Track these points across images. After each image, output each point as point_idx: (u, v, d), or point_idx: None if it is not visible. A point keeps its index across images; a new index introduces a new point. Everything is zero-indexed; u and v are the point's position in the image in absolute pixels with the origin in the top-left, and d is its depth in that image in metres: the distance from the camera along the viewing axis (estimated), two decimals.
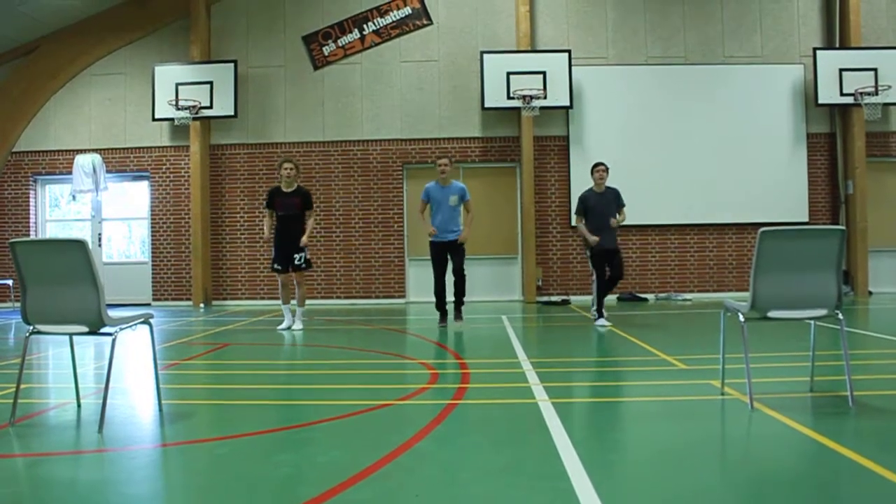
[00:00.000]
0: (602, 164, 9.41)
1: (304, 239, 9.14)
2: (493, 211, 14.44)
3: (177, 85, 14.02)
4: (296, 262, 9.19)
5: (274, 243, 9.32)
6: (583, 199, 9.33)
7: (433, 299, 9.55)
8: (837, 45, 14.17)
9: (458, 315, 9.43)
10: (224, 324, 10.65)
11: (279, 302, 15.04)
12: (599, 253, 9.23)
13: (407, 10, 14.53)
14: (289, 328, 9.42)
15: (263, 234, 9.42)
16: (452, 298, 9.47)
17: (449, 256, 9.27)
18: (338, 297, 14.44)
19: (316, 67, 14.61)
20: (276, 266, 9.33)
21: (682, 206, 14.13)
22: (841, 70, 13.69)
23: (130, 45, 14.85)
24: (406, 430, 3.98)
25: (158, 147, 14.75)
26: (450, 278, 9.31)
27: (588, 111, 14.26)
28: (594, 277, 9.42)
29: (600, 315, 9.26)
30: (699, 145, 14.15)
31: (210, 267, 14.50)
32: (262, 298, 14.48)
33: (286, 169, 9.18)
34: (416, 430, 3.97)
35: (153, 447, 3.89)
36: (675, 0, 14.44)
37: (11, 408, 4.30)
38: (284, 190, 9.22)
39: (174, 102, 13.93)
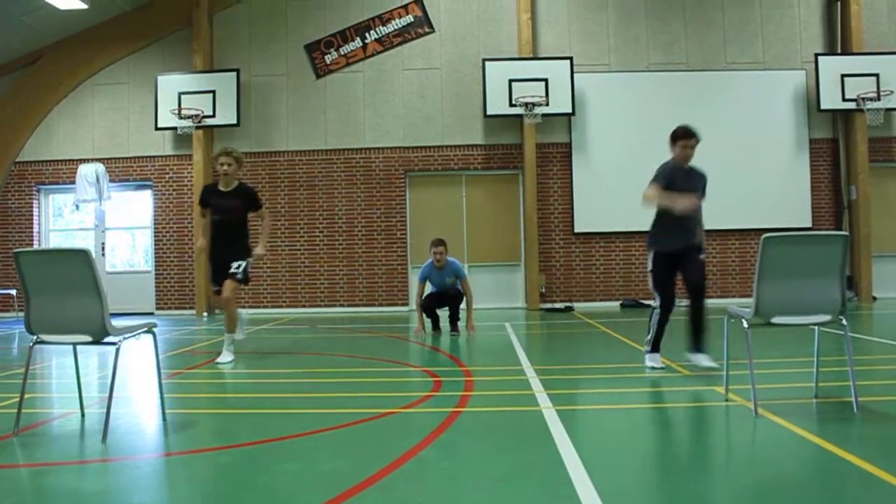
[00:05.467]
0: (693, 133, 6.56)
1: (260, 249, 7.52)
2: (496, 218, 14.45)
3: (179, 94, 14.06)
4: (232, 269, 7.22)
5: (210, 253, 7.46)
6: (667, 171, 6.43)
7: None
8: (839, 51, 14.18)
9: (454, 327, 9.35)
10: None
11: (273, 311, 15.20)
12: (666, 258, 6.31)
13: (409, 19, 14.57)
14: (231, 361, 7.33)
15: (195, 242, 7.38)
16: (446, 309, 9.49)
17: (447, 304, 9.32)
18: (341, 305, 14.44)
19: (318, 76, 14.64)
20: (215, 287, 7.45)
21: None
22: (843, 75, 13.69)
23: (133, 55, 14.90)
24: (410, 438, 3.98)
25: (161, 156, 14.78)
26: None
27: (590, 118, 14.27)
28: (656, 301, 6.42)
29: (653, 349, 6.35)
30: (701, 152, 13.95)
31: None
32: (266, 307, 14.47)
33: (223, 164, 7.20)
34: (420, 438, 3.96)
35: (157, 456, 3.89)
36: (677, 7, 14.46)
37: (15, 418, 4.30)
38: (222, 189, 7.34)
39: (177, 111, 13.97)
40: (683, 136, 6.47)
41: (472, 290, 9.52)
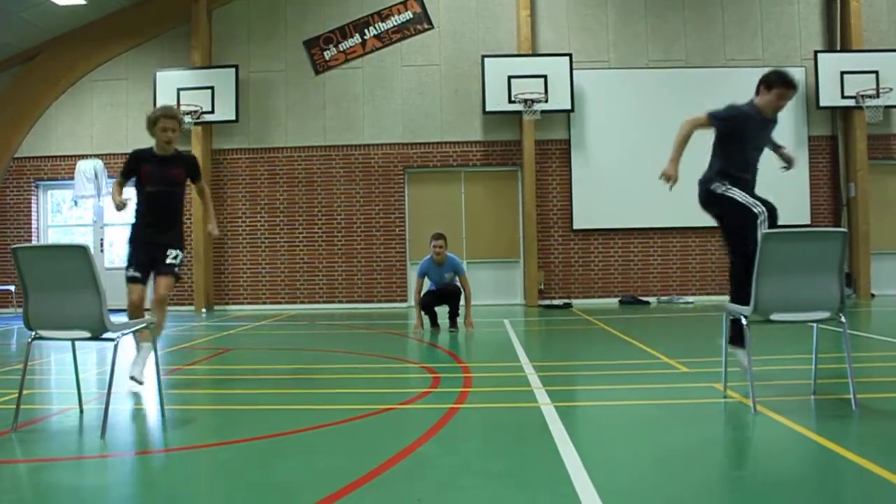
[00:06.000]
0: (796, 85, 5.26)
1: (215, 229, 6.35)
2: (495, 215, 14.45)
3: (178, 90, 14.03)
4: (168, 261, 5.74)
5: (134, 236, 5.84)
6: (737, 112, 5.32)
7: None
8: (839, 48, 14.17)
9: (453, 324, 9.36)
10: (226, 328, 10.65)
11: (272, 307, 15.19)
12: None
13: (408, 15, 14.55)
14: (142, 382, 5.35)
15: (115, 201, 5.75)
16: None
17: (446, 302, 9.27)
18: (340, 302, 14.43)
19: (317, 72, 14.63)
20: (132, 272, 5.71)
21: (683, 209, 14.02)
22: (842, 73, 13.69)
23: (132, 51, 14.88)
24: (408, 435, 3.98)
25: None
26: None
27: (589, 114, 14.26)
28: (758, 212, 5.16)
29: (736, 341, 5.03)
30: (701, 148, 14.08)
31: (212, 272, 14.51)
32: (265, 303, 14.48)
33: (166, 129, 5.69)
34: (418, 435, 3.96)
35: (155, 452, 3.90)
36: (676, 3, 14.45)
37: (14, 413, 4.29)
38: (158, 153, 5.80)
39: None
40: (784, 85, 5.14)
41: (471, 287, 9.51)
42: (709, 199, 5.57)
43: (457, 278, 9.23)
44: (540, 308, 13.43)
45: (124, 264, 5.83)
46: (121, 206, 5.73)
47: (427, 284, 9.38)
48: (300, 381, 6.26)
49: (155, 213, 5.77)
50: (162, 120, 5.68)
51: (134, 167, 5.79)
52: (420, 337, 8.89)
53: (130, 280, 5.71)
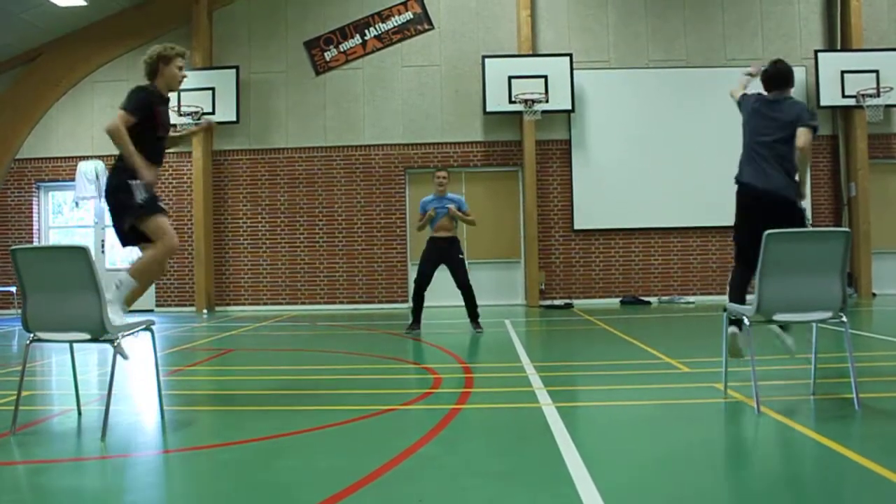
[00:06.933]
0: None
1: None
2: (496, 215, 14.43)
3: (179, 91, 13.98)
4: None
5: (134, 180, 5.23)
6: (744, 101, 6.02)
7: (437, 304, 9.53)
8: (839, 48, 14.16)
9: (476, 325, 9.20)
10: (227, 329, 10.65)
11: (273, 307, 15.21)
12: (743, 198, 5.42)
13: (408, 15, 14.55)
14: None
15: (141, 171, 5.18)
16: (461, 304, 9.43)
17: (451, 273, 9.19)
18: (341, 302, 14.42)
19: (318, 73, 14.62)
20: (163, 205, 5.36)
21: (684, 209, 14.09)
22: (843, 72, 13.66)
23: (132, 52, 14.83)
24: (409, 436, 3.97)
25: None
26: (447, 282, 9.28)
27: (590, 115, 14.25)
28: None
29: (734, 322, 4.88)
30: (701, 148, 14.10)
31: (213, 272, 14.50)
32: (266, 304, 14.47)
33: (181, 68, 5.15)
34: (419, 436, 3.95)
35: (156, 454, 3.89)
36: (677, 3, 14.43)
37: (12, 416, 4.28)
38: (166, 95, 5.24)
39: (176, 108, 13.92)
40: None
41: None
42: (787, 213, 5.03)
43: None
44: (541, 308, 13.42)
45: (139, 200, 5.09)
46: (154, 183, 4.94)
47: (426, 266, 9.29)
48: (301, 381, 6.25)
49: (156, 167, 5.09)
50: (179, 59, 5.04)
51: (149, 106, 4.96)
52: (417, 336, 8.87)
53: (165, 212, 5.17)
